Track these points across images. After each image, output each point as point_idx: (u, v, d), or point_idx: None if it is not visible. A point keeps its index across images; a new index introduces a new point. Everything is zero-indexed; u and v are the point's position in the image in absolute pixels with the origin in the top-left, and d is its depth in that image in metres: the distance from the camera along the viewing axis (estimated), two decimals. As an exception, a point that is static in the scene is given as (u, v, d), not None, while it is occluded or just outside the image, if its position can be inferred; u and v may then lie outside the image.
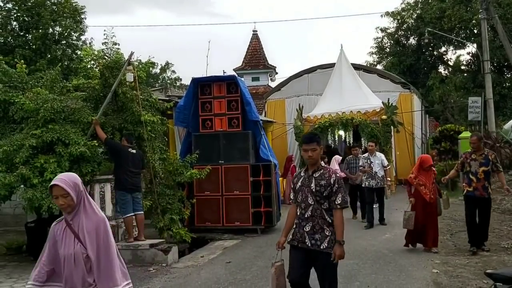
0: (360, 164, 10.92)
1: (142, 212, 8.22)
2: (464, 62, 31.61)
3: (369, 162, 10.53)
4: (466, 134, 17.06)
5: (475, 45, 25.61)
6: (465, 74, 29.46)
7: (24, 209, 8.31)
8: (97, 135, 8.18)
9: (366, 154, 10.91)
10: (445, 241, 8.73)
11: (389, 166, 11.10)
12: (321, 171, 4.47)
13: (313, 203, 4.41)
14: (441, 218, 11.16)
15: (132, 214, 8.01)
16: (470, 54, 30.24)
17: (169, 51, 67.79)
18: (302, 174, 4.57)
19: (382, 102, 17.25)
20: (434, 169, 8.55)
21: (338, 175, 4.47)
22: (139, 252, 7.92)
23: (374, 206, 10.77)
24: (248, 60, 30.51)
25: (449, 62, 33.09)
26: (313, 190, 4.40)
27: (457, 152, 17.00)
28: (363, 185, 10.72)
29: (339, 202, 4.36)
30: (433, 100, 28.58)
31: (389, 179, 11.05)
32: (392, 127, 16.89)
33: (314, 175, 4.46)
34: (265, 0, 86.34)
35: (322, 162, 4.59)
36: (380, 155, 10.85)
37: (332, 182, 4.38)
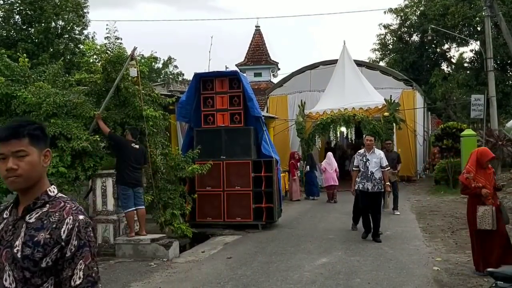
0: (355, 164, 8.96)
1: (144, 207, 8.24)
2: (467, 60, 31.53)
3: (364, 160, 8.69)
4: (468, 132, 17.02)
5: (478, 42, 25.51)
6: (468, 72, 29.37)
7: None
8: (100, 129, 8.18)
9: (362, 151, 8.95)
10: (446, 238, 8.73)
11: (388, 168, 8.90)
12: (44, 210, 1.93)
13: (14, 286, 1.86)
14: (442, 215, 11.24)
15: (134, 208, 8.02)
16: (473, 52, 30.16)
17: (171, 45, 67.79)
18: (5, 216, 1.97)
19: (385, 99, 17.25)
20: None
21: (83, 217, 1.92)
22: (140, 247, 7.94)
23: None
24: (251, 55, 30.50)
25: (452, 60, 33.00)
26: (18, 254, 1.86)
27: (459, 150, 16.98)
28: (355, 187, 8.86)
29: (78, 282, 1.85)
30: (435, 97, 28.50)
31: (388, 183, 8.89)
32: (394, 124, 16.90)
33: (27, 219, 1.92)
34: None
35: (54, 189, 1.99)
36: (379, 153, 8.88)
37: (63, 234, 1.87)
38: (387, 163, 8.79)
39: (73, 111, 8.31)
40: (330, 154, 15.45)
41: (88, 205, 8.54)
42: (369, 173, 8.60)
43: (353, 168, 9.02)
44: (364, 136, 11.16)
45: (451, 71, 31.92)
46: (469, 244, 8.09)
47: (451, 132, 18.89)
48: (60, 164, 7.67)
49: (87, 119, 8.28)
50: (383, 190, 8.84)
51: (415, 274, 6.51)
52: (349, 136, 17.15)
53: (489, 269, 4.19)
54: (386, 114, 16.77)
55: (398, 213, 11.58)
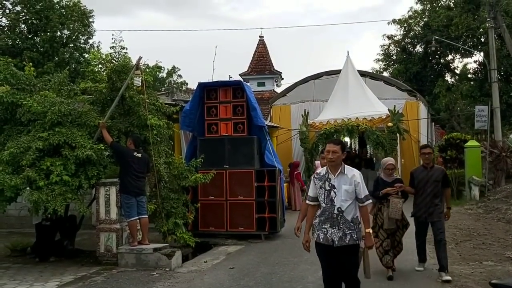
0: (310, 193, 5.06)
1: (147, 216, 8.24)
2: (471, 71, 31.51)
3: (327, 187, 4.84)
4: (472, 142, 17.01)
5: (482, 53, 25.55)
6: (472, 83, 29.34)
7: (29, 211, 8.36)
8: (104, 139, 8.22)
9: (321, 170, 5.03)
10: (450, 250, 8.66)
11: (369, 201, 4.90)
12: None
13: None
14: (445, 227, 11.14)
15: (137, 217, 8.03)
16: (477, 63, 30.14)
17: (175, 55, 68.09)
18: None
19: (388, 109, 17.22)
20: None
21: None
22: (142, 256, 7.92)
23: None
24: (254, 65, 30.63)
25: (455, 70, 33.00)
26: None
27: (463, 161, 16.94)
28: (318, 239, 4.89)
29: None
30: (439, 108, 28.49)
31: (368, 230, 4.93)
32: (398, 135, 16.86)
33: None
34: (271, 4, 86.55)
35: None
36: (353, 174, 4.87)
37: None
38: (367, 193, 4.91)
39: (77, 120, 8.35)
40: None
41: (92, 213, 8.55)
42: (335, 211, 4.80)
43: (308, 201, 5.10)
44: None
45: (455, 82, 31.90)
46: (473, 256, 8.08)
47: (455, 143, 18.88)
48: (64, 173, 7.69)
49: (92, 127, 8.32)
50: (359, 242, 4.86)
51: (419, 286, 6.48)
52: (353, 147, 17.11)
53: (493, 281, 4.16)
54: (389, 124, 16.74)
55: (449, 277, 6.68)
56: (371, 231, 5.00)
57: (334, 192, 4.82)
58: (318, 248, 4.93)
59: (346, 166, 4.93)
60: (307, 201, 5.14)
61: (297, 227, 5.31)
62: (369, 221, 4.97)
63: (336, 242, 4.76)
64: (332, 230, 4.78)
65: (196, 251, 9.38)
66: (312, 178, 5.10)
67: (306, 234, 5.01)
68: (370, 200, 4.96)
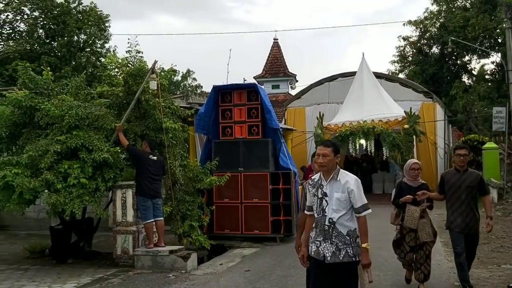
0: (307, 203, 4.55)
1: (162, 218, 8.30)
2: (488, 72, 31.15)
3: (319, 195, 4.32)
4: (490, 144, 16.79)
5: (499, 54, 25.22)
6: (489, 84, 29.00)
7: (47, 213, 8.48)
8: (120, 142, 8.31)
9: (315, 176, 4.45)
10: (468, 253, 8.55)
11: (368, 211, 4.26)
12: None
13: None
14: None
15: (153, 220, 8.08)
16: (494, 64, 29.79)
17: (188, 58, 68.44)
18: None
19: (404, 111, 17.10)
20: None
21: None
22: (158, 258, 7.97)
23: None
24: (269, 68, 30.65)
25: (473, 72, 32.65)
26: None
27: (481, 163, 16.72)
28: (310, 252, 4.39)
29: None
30: (456, 109, 28.18)
31: (365, 245, 4.19)
32: (414, 137, 16.71)
33: None
34: (286, 6, 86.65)
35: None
36: (347, 180, 4.27)
37: None
38: (366, 202, 4.29)
39: (94, 123, 8.46)
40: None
41: (108, 216, 8.64)
42: (326, 222, 4.26)
43: (306, 211, 4.57)
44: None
45: (472, 83, 31.56)
46: (491, 259, 7.96)
47: (473, 145, 18.66)
48: (81, 175, 7.79)
49: (108, 131, 8.42)
50: (356, 259, 4.23)
51: (436, 289, 6.40)
52: (369, 149, 17.00)
53: (511, 285, 4.10)
54: (406, 126, 16.61)
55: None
56: (368, 246, 4.21)
57: (326, 201, 4.25)
58: (311, 264, 4.42)
59: (341, 171, 4.33)
60: (304, 211, 4.59)
61: (297, 245, 4.61)
62: (366, 235, 4.23)
63: (328, 258, 4.17)
64: (325, 244, 4.20)
65: (212, 254, 9.41)
66: (306, 185, 4.57)
67: (304, 248, 4.47)
68: (369, 210, 4.27)
